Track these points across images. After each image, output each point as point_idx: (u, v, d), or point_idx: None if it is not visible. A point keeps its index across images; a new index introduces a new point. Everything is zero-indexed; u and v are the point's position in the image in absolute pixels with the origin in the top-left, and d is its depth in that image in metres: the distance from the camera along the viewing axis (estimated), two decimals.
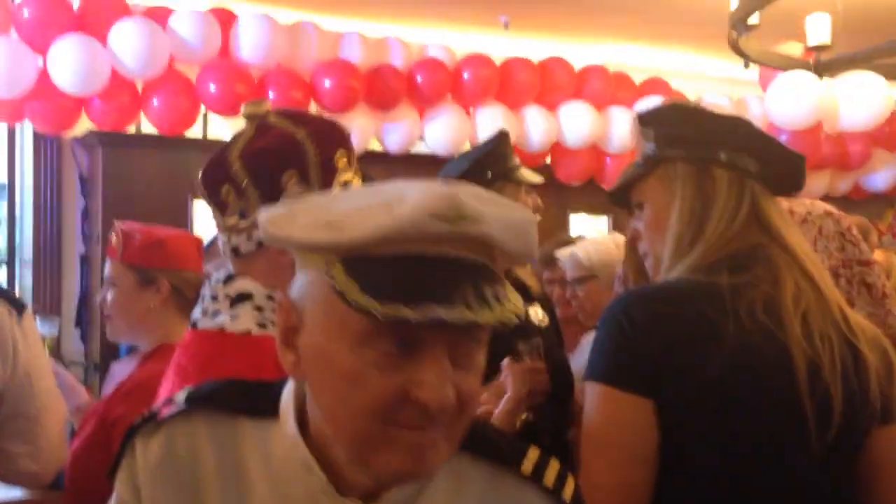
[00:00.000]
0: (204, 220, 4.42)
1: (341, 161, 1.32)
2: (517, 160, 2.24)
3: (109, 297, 2.06)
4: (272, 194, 1.28)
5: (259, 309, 1.30)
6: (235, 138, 1.34)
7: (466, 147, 4.87)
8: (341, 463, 0.88)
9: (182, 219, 4.38)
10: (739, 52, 3.42)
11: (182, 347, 1.36)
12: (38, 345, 1.99)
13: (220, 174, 1.31)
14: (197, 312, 1.35)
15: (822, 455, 1.26)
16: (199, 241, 2.22)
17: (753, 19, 3.28)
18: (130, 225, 2.08)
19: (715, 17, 3.57)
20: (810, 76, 4.24)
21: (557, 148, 5.11)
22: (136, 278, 2.04)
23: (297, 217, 0.84)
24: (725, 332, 1.24)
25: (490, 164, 2.17)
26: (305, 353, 0.86)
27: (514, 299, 0.83)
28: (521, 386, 1.84)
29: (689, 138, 1.39)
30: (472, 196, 0.82)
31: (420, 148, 4.92)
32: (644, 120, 1.45)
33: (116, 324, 2.09)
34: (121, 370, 2.33)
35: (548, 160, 5.21)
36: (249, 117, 1.34)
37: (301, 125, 1.32)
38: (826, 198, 5.32)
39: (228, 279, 1.34)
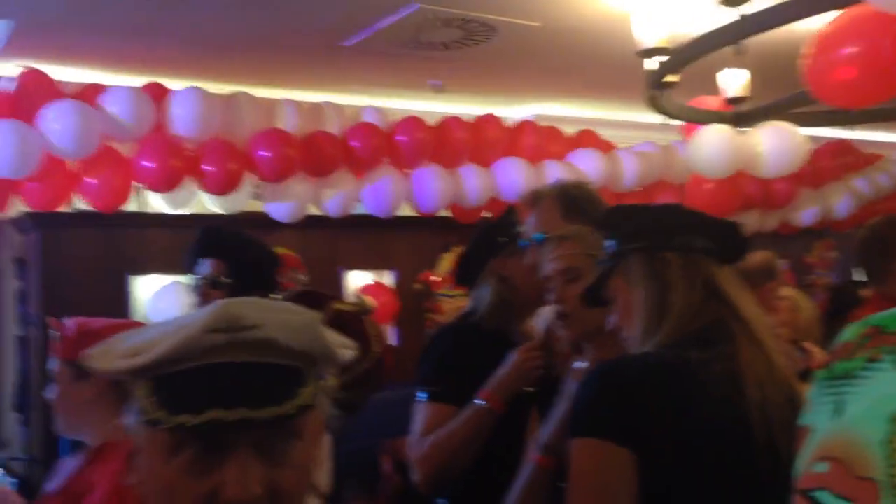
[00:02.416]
0: (142, 297, 4.39)
1: None
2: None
3: (51, 392, 2.08)
4: None
5: None
6: None
7: (405, 207, 4.96)
8: None
9: (121, 297, 4.34)
10: (659, 109, 3.56)
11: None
12: None
13: None
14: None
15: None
16: (140, 327, 2.22)
17: (671, 77, 3.41)
18: (69, 320, 2.08)
19: (636, 70, 3.71)
20: (728, 129, 4.41)
21: (495, 203, 5.20)
22: (72, 372, 2.04)
23: (109, 350, 0.94)
24: (695, 401, 1.38)
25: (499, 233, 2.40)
26: (140, 475, 0.92)
27: (306, 391, 0.89)
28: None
29: (639, 231, 1.54)
30: (255, 307, 0.90)
31: (359, 209, 4.97)
32: (600, 225, 1.64)
33: (60, 419, 2.10)
34: (65, 469, 2.30)
35: (486, 215, 5.30)
36: None
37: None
38: (756, 235, 5.51)
39: None
